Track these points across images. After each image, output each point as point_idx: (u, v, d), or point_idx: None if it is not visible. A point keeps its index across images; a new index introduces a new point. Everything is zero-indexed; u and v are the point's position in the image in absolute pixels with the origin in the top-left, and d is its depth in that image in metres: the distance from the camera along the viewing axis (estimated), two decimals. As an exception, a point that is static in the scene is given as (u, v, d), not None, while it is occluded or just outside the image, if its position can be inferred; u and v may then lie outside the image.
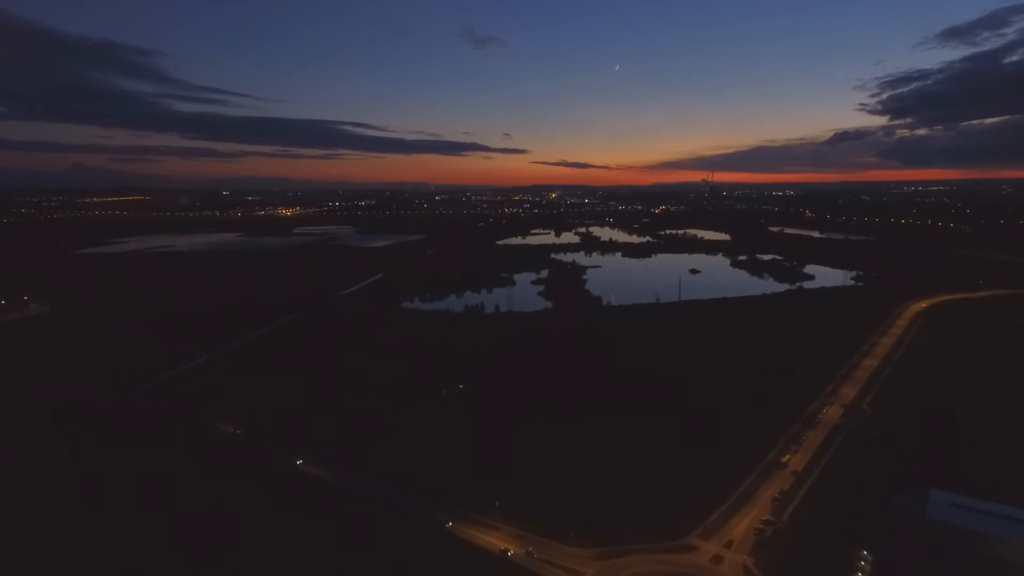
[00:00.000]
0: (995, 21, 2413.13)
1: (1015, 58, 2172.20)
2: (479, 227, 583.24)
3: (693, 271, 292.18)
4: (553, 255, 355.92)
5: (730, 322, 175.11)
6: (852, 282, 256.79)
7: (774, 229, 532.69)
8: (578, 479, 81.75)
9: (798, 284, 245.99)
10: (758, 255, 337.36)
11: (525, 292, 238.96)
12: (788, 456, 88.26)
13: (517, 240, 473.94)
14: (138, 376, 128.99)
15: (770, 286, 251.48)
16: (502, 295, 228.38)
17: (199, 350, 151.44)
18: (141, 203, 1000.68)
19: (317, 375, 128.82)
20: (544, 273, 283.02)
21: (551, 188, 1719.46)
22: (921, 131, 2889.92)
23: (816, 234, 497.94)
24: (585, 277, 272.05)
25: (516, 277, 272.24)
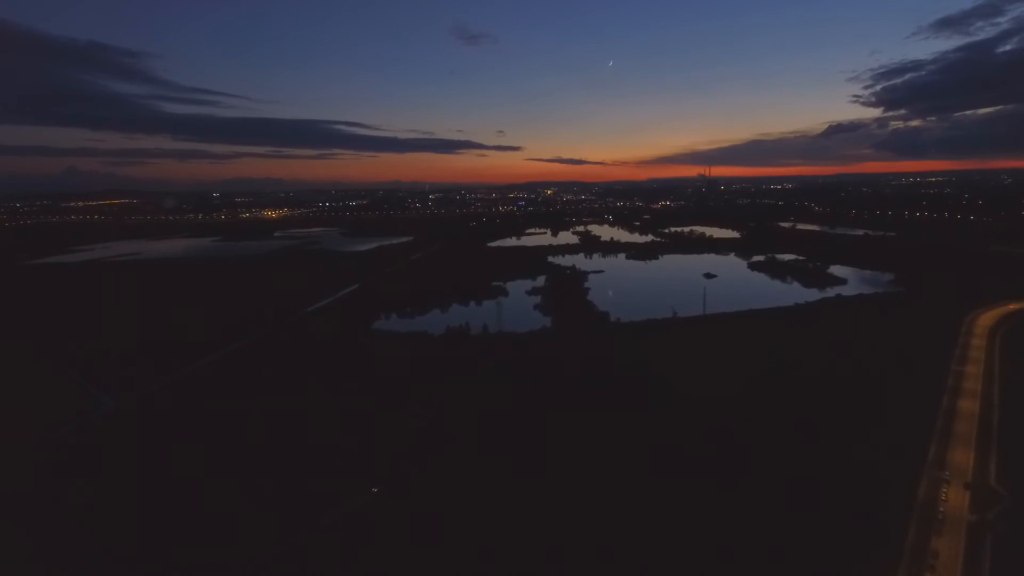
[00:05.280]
0: (989, 10, 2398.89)
1: (1008, 47, 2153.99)
2: (471, 227, 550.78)
3: (708, 275, 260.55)
4: (550, 258, 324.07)
5: (774, 342, 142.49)
6: (891, 287, 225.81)
7: (785, 225, 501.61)
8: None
9: (836, 292, 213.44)
10: (776, 255, 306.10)
11: (519, 304, 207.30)
12: (925, 596, 57.05)
13: (512, 241, 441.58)
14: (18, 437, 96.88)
15: (798, 292, 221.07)
16: (491, 309, 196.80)
17: (108, 394, 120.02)
18: (124, 207, 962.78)
19: (244, 438, 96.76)
20: (541, 280, 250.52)
21: (546, 185, 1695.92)
22: (915, 122, 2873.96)
23: (828, 229, 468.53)
24: (587, 285, 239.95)
25: (509, 286, 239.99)
